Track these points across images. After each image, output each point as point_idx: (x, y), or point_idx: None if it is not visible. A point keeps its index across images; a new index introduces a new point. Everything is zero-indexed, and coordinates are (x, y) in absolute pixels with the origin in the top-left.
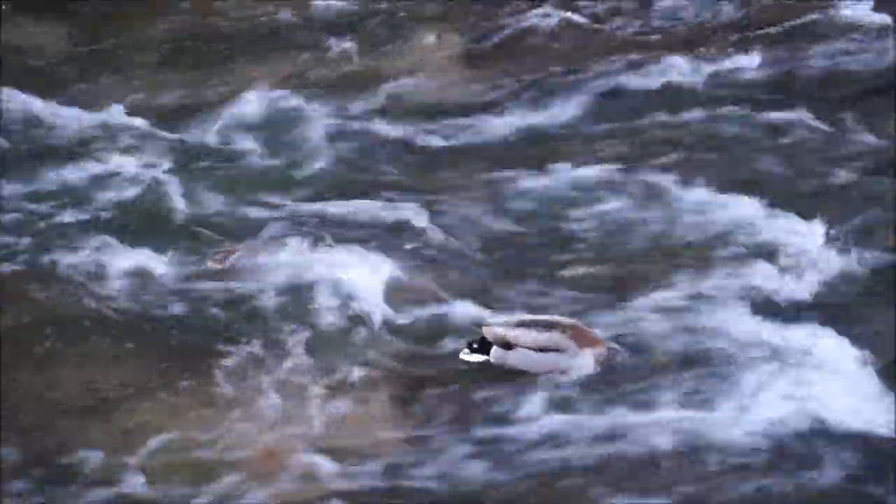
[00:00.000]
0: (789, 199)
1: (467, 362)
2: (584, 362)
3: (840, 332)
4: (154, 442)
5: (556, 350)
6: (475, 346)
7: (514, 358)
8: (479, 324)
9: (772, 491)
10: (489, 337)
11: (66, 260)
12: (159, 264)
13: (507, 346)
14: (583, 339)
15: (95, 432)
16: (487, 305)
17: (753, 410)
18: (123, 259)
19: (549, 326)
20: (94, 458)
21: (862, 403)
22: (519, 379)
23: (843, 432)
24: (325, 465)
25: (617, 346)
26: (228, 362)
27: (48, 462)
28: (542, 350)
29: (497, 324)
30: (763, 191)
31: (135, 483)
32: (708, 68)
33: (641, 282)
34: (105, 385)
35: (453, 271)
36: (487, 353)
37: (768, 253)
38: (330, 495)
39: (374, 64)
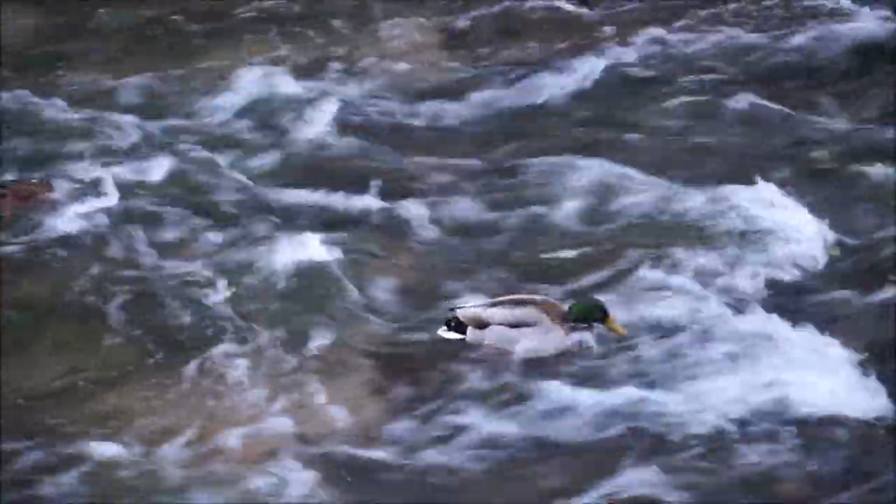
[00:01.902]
0: (769, 185)
1: (445, 339)
2: (558, 336)
3: (816, 317)
4: (132, 426)
5: (530, 325)
6: (452, 324)
7: (490, 336)
8: (452, 307)
9: (746, 476)
10: (463, 318)
11: (43, 246)
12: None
13: (481, 325)
14: (555, 314)
15: (73, 417)
16: (466, 288)
17: (730, 396)
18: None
19: (521, 303)
20: (72, 443)
21: (840, 388)
22: (496, 359)
23: (820, 417)
24: (301, 446)
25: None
26: (204, 346)
27: (27, 447)
28: (515, 326)
29: (470, 306)
30: (737, 176)
31: (113, 465)
32: (684, 50)
33: (618, 267)
34: (82, 370)
35: (432, 254)
36: (464, 333)
37: (744, 238)
38: (306, 475)
39: (351, 48)
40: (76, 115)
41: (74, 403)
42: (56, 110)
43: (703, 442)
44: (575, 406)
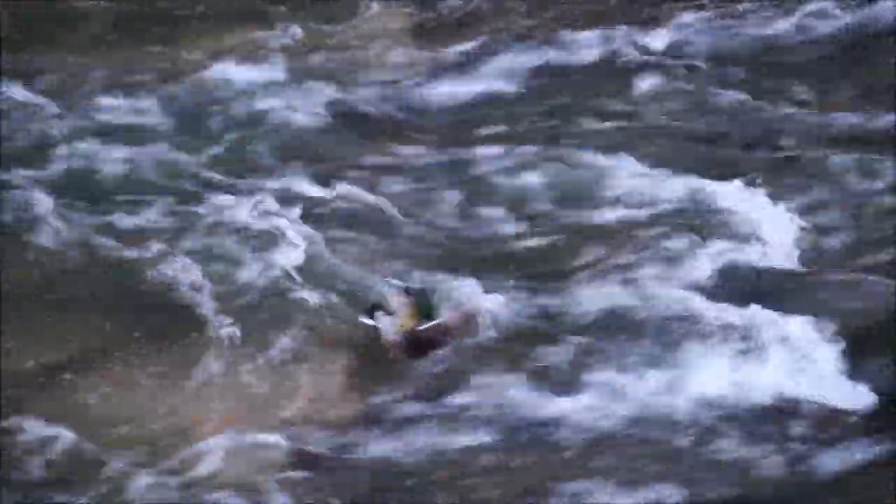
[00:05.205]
0: (736, 172)
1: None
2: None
3: (797, 308)
4: (101, 414)
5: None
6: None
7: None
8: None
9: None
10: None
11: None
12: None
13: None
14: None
15: (43, 403)
16: (434, 275)
17: (704, 384)
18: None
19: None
20: (41, 429)
21: (823, 378)
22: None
23: (803, 406)
24: (273, 438)
25: (480, 310)
26: (176, 335)
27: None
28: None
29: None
30: (707, 164)
31: (83, 454)
32: (655, 35)
33: (582, 257)
34: (53, 356)
35: (395, 243)
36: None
37: (719, 228)
38: (279, 468)
39: (320, 36)
40: (51, 98)
41: (52, 390)
42: (31, 93)
43: (678, 431)
44: (545, 399)
